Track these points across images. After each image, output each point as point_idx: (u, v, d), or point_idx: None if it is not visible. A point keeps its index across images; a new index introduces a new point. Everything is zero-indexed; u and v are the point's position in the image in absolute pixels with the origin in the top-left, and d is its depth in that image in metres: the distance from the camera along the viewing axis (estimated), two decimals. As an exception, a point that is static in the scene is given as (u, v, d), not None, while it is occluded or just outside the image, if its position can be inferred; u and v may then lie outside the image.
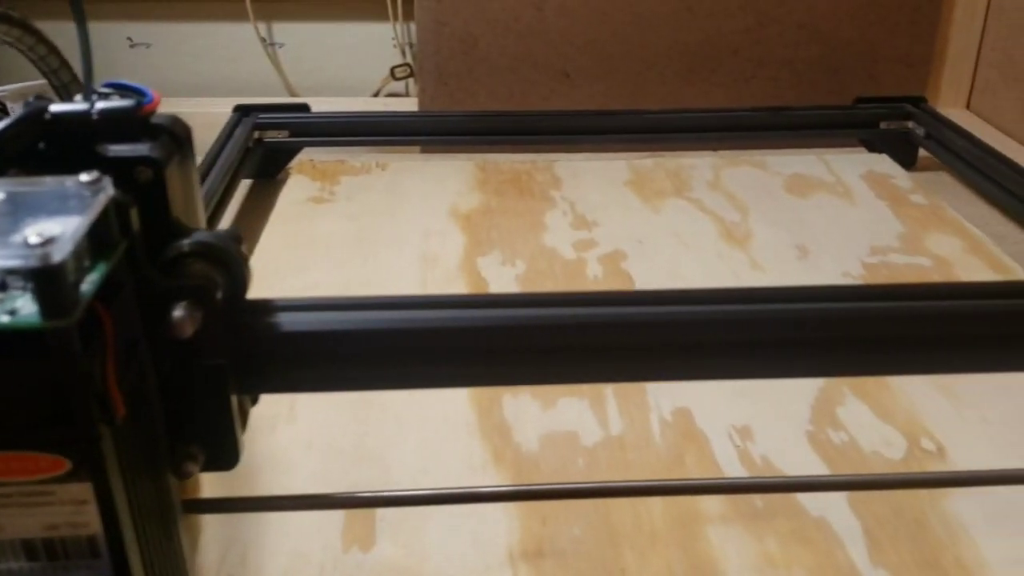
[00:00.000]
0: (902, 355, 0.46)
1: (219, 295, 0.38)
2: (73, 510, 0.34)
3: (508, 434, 0.63)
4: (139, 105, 0.38)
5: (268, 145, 1.07)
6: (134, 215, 0.36)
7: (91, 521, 0.34)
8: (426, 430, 0.63)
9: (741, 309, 0.44)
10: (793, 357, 0.45)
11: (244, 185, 1.07)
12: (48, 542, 0.34)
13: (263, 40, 1.25)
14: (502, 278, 0.84)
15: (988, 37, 1.21)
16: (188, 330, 0.37)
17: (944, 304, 0.45)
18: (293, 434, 0.62)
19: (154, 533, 0.38)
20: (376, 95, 1.29)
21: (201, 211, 0.44)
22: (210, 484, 0.55)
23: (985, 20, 1.21)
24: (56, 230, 0.31)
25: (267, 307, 0.40)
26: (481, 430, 0.63)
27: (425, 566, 0.52)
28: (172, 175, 0.39)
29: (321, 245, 0.89)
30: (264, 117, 1.06)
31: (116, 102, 0.38)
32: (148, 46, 1.25)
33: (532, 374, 0.44)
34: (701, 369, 0.45)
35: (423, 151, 1.18)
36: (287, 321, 0.40)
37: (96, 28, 1.24)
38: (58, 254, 0.30)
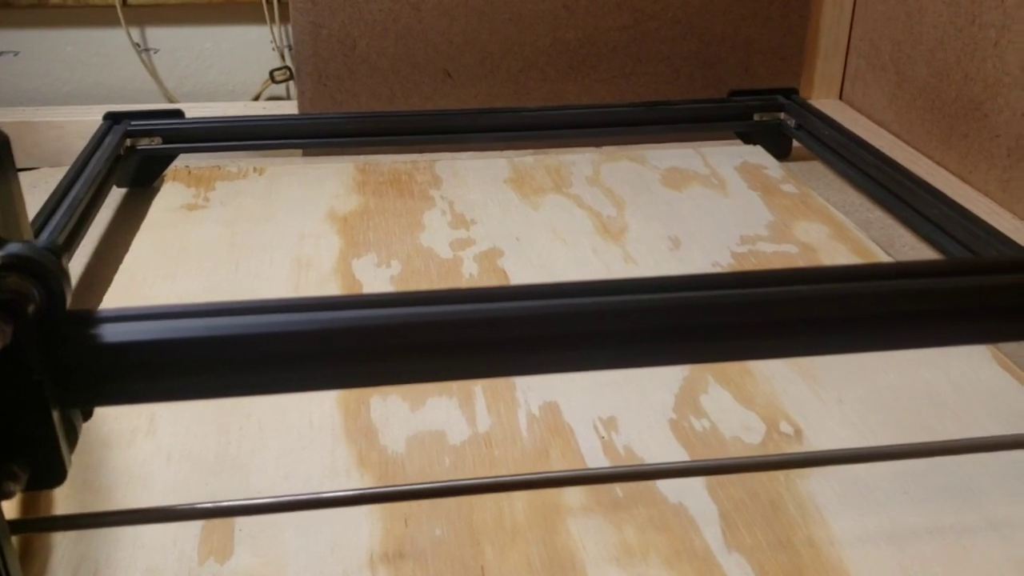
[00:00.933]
0: (762, 340, 0.47)
1: (31, 308, 0.37)
2: None
3: (374, 437, 0.63)
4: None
5: (141, 153, 1.04)
6: (-67, 228, 0.35)
7: None
8: (290, 436, 0.62)
9: (603, 301, 0.44)
10: (656, 345, 0.45)
11: (117, 195, 1.04)
12: None
13: (136, 46, 1.22)
14: (377, 280, 0.83)
15: (856, 28, 1.25)
16: (-3, 345, 0.35)
17: (802, 288, 0.46)
18: (152, 447, 0.61)
19: (-28, 556, 0.37)
20: (256, 99, 1.27)
21: (25, 222, 0.43)
22: (63, 502, 0.54)
23: (853, 12, 1.25)
24: None
25: (89, 318, 0.39)
26: (347, 433, 0.63)
27: (283, 574, 0.52)
28: (-17, 186, 0.38)
29: (192, 252, 0.87)
30: (136, 124, 1.04)
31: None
32: (16, 54, 1.21)
33: (374, 374, 0.43)
34: (565, 361, 0.46)
35: (305, 154, 1.16)
36: (110, 332, 0.39)
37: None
38: None
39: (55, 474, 0.39)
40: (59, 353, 0.38)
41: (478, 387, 0.68)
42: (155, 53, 1.24)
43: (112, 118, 1.04)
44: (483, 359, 0.44)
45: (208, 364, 0.39)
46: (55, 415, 0.39)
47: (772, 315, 0.47)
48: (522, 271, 0.85)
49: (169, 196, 0.99)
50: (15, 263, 0.38)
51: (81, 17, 1.20)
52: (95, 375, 0.38)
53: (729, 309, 0.46)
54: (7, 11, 1.19)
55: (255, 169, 1.06)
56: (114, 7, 1.18)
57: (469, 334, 0.43)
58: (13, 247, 0.38)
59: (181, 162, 1.07)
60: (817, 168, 1.13)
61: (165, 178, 1.04)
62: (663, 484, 0.58)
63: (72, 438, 0.41)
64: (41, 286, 0.38)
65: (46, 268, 0.38)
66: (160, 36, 1.23)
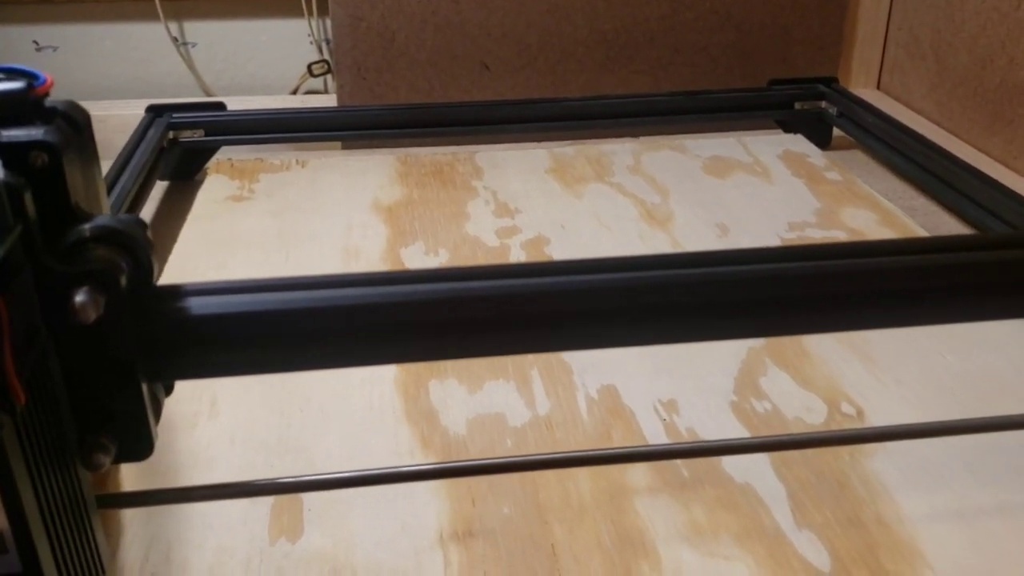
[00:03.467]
0: (822, 313, 0.47)
1: (123, 280, 0.37)
2: (-25, 504, 0.33)
3: (435, 419, 0.63)
4: (30, 87, 0.37)
5: (183, 145, 1.05)
6: (28, 199, 0.35)
7: (-5, 514, 0.33)
8: (352, 419, 0.62)
9: (661, 274, 0.44)
10: (717, 319, 0.45)
11: (160, 187, 1.05)
12: (-50, 538, 0.33)
13: (175, 40, 1.23)
14: (426, 267, 0.83)
15: (895, 17, 1.24)
16: (91, 315, 0.36)
17: (863, 262, 0.46)
18: (215, 430, 0.61)
19: (66, 527, 0.37)
20: (294, 93, 1.28)
21: (104, 198, 0.43)
22: (130, 485, 0.54)
23: (891, 1, 1.24)
24: (-57, 212, 0.30)
25: (176, 292, 0.40)
26: (408, 416, 0.63)
27: (354, 553, 0.52)
28: (70, 160, 0.38)
29: (241, 243, 0.87)
30: (178, 117, 1.04)
31: (6, 84, 0.37)
32: (55, 49, 1.22)
33: (459, 347, 0.43)
34: (626, 335, 0.45)
35: (343, 147, 1.17)
36: (197, 305, 0.39)
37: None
38: (-55, 236, 0.29)
39: (143, 447, 0.40)
40: (149, 326, 0.38)
41: (534, 370, 0.68)
42: (193, 47, 1.25)
43: (154, 111, 1.05)
44: (543, 332, 0.44)
45: (298, 336, 0.39)
46: (143, 388, 0.39)
47: (831, 288, 0.46)
48: (570, 257, 0.84)
49: (214, 188, 1.00)
50: (104, 235, 0.38)
51: (120, 12, 1.21)
52: (184, 348, 0.39)
53: (790, 281, 0.46)
54: (47, 7, 1.19)
55: (297, 161, 1.07)
56: (153, 1, 1.19)
57: (531, 307, 0.43)
58: (101, 219, 0.38)
59: (222, 155, 1.07)
60: (858, 156, 1.12)
61: (208, 171, 1.05)
62: (729, 464, 0.58)
63: (157, 411, 0.41)
64: (130, 258, 0.38)
65: (135, 240, 0.38)
66: (198, 30, 1.24)
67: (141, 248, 0.38)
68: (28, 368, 0.34)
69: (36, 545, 0.34)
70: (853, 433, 0.58)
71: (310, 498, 0.55)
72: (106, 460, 0.39)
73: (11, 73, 0.39)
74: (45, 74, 0.38)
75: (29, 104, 0.37)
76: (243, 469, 0.58)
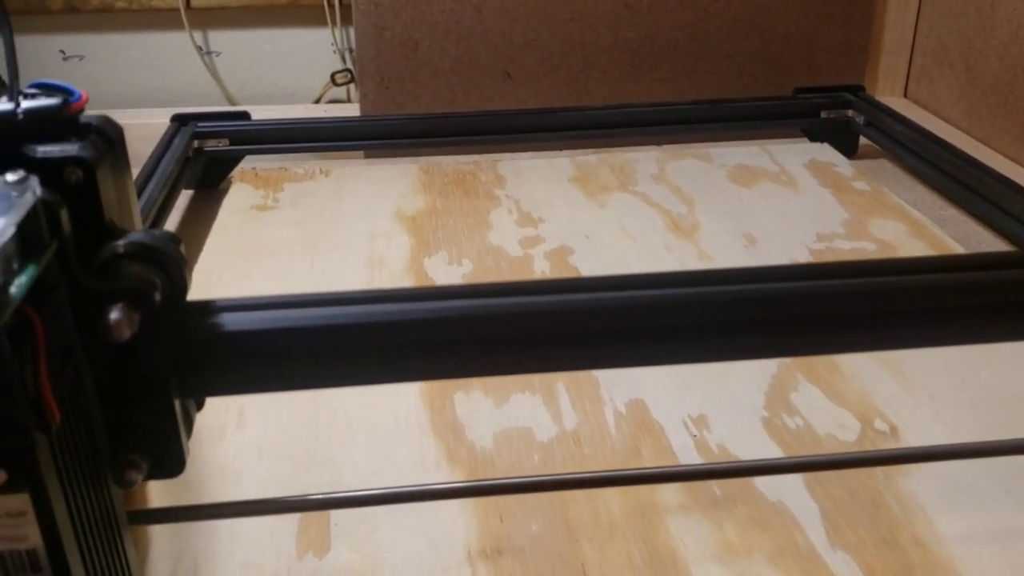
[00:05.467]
0: (854, 332, 0.46)
1: (157, 297, 0.37)
2: (10, 523, 0.32)
3: (461, 432, 0.62)
4: (66, 103, 0.37)
5: (208, 154, 1.05)
6: (64, 216, 0.35)
7: (30, 534, 0.33)
8: (377, 432, 0.62)
9: (691, 292, 0.44)
10: (747, 337, 0.44)
11: (185, 196, 1.05)
12: (-16, 558, 0.33)
13: (199, 49, 1.23)
14: (449, 277, 0.83)
15: (922, 26, 1.23)
16: (125, 333, 0.35)
17: (897, 280, 0.45)
18: (242, 442, 0.61)
19: (99, 545, 0.37)
20: (317, 102, 1.28)
21: (137, 214, 0.43)
22: (157, 497, 0.54)
23: (919, 9, 1.23)
24: (-20, 231, 0.29)
25: (208, 308, 0.39)
26: (434, 429, 0.62)
27: (382, 569, 0.51)
28: (104, 176, 0.38)
29: (266, 252, 0.87)
30: (203, 126, 1.04)
31: (42, 101, 0.37)
32: (81, 58, 1.23)
33: (491, 364, 0.42)
34: (657, 353, 0.45)
35: (366, 156, 1.16)
36: (230, 321, 0.39)
37: (27, 41, 1.21)
38: (-17, 254, 0.29)
39: (174, 464, 0.39)
40: (182, 342, 0.38)
41: (560, 384, 0.67)
42: (217, 56, 1.25)
43: (179, 120, 1.05)
44: (573, 350, 0.43)
45: (332, 352, 0.38)
46: (176, 404, 0.38)
47: (861, 307, 0.46)
48: (595, 268, 0.84)
49: (238, 197, 0.99)
50: (138, 251, 0.38)
51: (146, 21, 1.21)
52: (219, 365, 0.38)
53: (821, 300, 0.45)
54: (74, 16, 1.20)
55: (321, 170, 1.07)
56: (178, 11, 1.19)
57: (561, 325, 0.42)
58: (135, 235, 0.38)
59: (246, 164, 1.07)
60: (885, 166, 1.11)
61: (232, 180, 1.05)
62: (761, 482, 0.57)
63: (189, 427, 0.41)
64: (164, 274, 0.38)
65: (169, 256, 0.38)
66: (222, 39, 1.24)
67: (174, 265, 0.38)
68: (63, 386, 0.34)
69: (70, 563, 0.34)
70: (889, 454, 0.57)
71: (337, 513, 0.55)
72: (138, 477, 0.38)
73: (46, 88, 0.38)
74: (80, 90, 0.38)
75: (64, 120, 0.37)
76: (270, 482, 0.58)
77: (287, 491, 0.57)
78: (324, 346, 0.38)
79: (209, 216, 0.96)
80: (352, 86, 1.26)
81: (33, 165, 0.35)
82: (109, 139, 0.40)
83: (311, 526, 0.54)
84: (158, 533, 0.54)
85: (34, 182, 0.33)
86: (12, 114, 0.36)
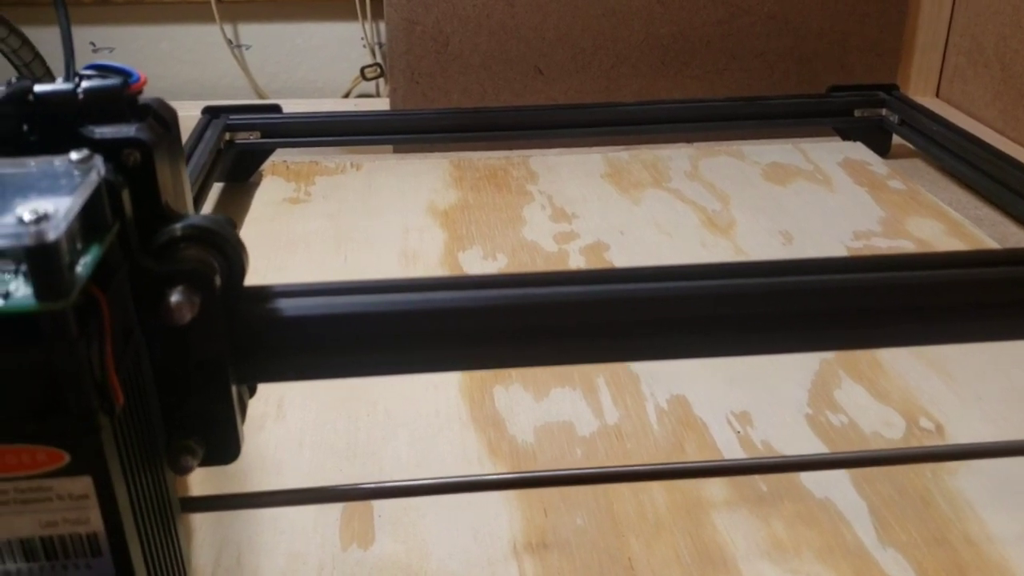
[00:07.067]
0: (899, 326, 0.45)
1: (218, 280, 0.36)
2: (72, 506, 0.32)
3: (502, 426, 0.62)
4: (125, 84, 0.37)
5: (240, 147, 1.04)
6: (126, 197, 0.34)
7: (91, 517, 0.32)
8: (418, 424, 0.62)
9: (734, 283, 0.43)
10: (788, 330, 0.44)
11: (216, 188, 1.05)
12: (47, 540, 0.32)
13: (229, 42, 1.23)
14: (485, 272, 0.82)
15: (956, 24, 1.22)
16: (186, 316, 0.35)
17: (942, 273, 0.44)
18: (283, 433, 0.61)
19: (154, 531, 0.36)
20: (346, 96, 1.27)
21: (189, 198, 0.43)
22: (198, 487, 0.54)
23: (953, 7, 1.22)
24: (49, 208, 0.29)
25: (267, 293, 0.39)
26: (475, 422, 0.62)
27: (428, 561, 0.51)
28: (161, 158, 0.37)
29: (300, 245, 0.87)
30: (235, 118, 1.04)
31: (102, 81, 0.36)
32: (111, 50, 1.23)
33: (549, 353, 0.42)
34: (702, 345, 0.44)
35: (396, 151, 1.16)
36: (290, 307, 0.38)
37: (58, 33, 1.21)
38: (53, 232, 0.28)
39: (230, 450, 0.39)
40: (241, 327, 0.37)
41: (600, 379, 0.67)
42: (247, 49, 1.25)
43: (211, 112, 1.05)
44: (617, 341, 0.43)
45: (390, 339, 0.38)
46: (233, 390, 0.38)
47: (906, 300, 0.45)
48: (631, 264, 0.83)
49: (270, 190, 0.99)
50: (196, 234, 0.37)
51: (176, 14, 1.21)
52: (278, 350, 0.38)
53: (866, 293, 0.44)
54: (104, 8, 1.20)
55: (352, 164, 1.06)
56: (208, 3, 1.19)
57: (608, 315, 0.41)
58: (193, 218, 0.38)
59: (276, 157, 1.07)
60: (919, 165, 1.10)
61: (263, 173, 1.04)
62: (808, 479, 0.56)
63: (243, 413, 0.40)
64: (222, 257, 0.37)
65: (227, 239, 0.37)
66: (252, 32, 1.24)
67: (232, 248, 0.38)
68: (124, 368, 0.33)
69: (129, 549, 0.33)
70: (937, 450, 0.56)
71: (380, 504, 0.55)
72: (193, 463, 0.38)
73: (104, 70, 0.38)
74: (138, 71, 0.38)
75: (124, 101, 0.37)
76: (312, 473, 0.57)
77: (330, 482, 0.56)
78: (389, 332, 0.38)
79: (242, 208, 0.96)
80: (381, 80, 1.26)
81: (91, 147, 0.35)
82: (165, 122, 0.39)
83: (354, 517, 0.54)
84: (201, 522, 0.53)
85: (99, 161, 0.33)
86: (72, 93, 0.36)
